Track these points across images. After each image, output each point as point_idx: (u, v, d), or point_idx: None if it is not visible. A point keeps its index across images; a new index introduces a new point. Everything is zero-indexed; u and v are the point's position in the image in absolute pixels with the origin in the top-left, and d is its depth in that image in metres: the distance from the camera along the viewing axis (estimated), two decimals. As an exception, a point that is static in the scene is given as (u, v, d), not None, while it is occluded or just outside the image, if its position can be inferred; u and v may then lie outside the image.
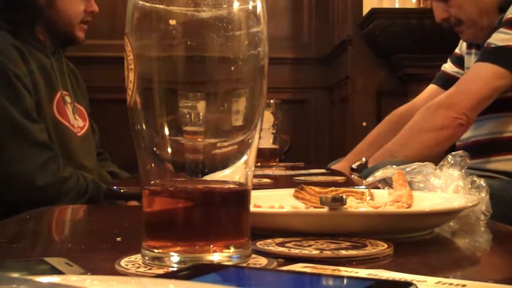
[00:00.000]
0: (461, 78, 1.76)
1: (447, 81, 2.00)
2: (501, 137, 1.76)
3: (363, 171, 1.66)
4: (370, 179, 0.92)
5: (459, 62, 2.00)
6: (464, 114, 1.65)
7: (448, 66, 2.04)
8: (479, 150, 1.76)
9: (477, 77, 1.68)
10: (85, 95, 2.06)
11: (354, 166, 1.76)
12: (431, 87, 2.09)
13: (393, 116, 2.16)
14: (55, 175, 1.71)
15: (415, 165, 0.88)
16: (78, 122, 1.92)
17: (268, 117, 2.08)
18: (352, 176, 1.71)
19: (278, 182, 1.50)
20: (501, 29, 1.67)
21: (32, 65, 1.76)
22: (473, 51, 1.91)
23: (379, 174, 0.90)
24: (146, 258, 0.54)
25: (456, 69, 2.01)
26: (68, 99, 1.90)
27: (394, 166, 0.90)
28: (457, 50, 2.03)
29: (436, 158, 0.96)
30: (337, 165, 2.05)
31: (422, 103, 2.01)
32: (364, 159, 1.77)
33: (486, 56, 1.68)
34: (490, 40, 1.69)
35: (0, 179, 1.70)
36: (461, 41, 2.00)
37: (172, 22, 0.54)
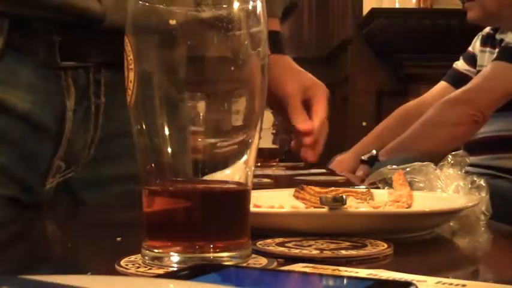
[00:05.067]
0: (479, 74, 1.76)
1: (458, 79, 2.00)
2: (510, 134, 1.76)
3: (375, 163, 1.65)
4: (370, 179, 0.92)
5: (471, 60, 1.99)
6: (480, 112, 1.65)
7: (460, 64, 2.04)
8: (487, 147, 1.76)
9: (495, 75, 1.68)
10: None
11: (364, 158, 1.75)
12: (442, 84, 2.09)
13: (401, 111, 2.15)
14: None
15: (415, 165, 0.88)
16: None
17: (268, 117, 2.08)
18: (361, 167, 1.70)
19: (278, 182, 1.50)
20: None
21: None
22: (487, 49, 1.90)
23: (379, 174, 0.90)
24: (146, 258, 0.54)
25: (468, 68, 2.00)
26: None
27: (394, 166, 0.90)
28: (470, 48, 2.02)
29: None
30: (343, 157, 2.04)
31: (432, 99, 2.01)
32: (374, 151, 1.75)
33: (505, 56, 1.69)
34: (508, 39, 1.69)
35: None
36: (474, 39, 2.00)
37: (172, 22, 0.54)
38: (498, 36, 1.84)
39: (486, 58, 1.88)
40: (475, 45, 1.99)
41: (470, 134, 1.71)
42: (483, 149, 1.74)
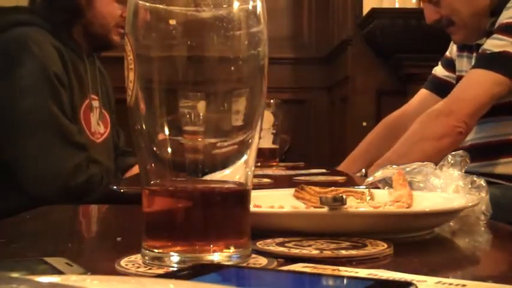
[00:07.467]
0: (458, 85, 1.75)
1: (438, 86, 1.99)
2: (499, 140, 1.76)
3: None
4: (370, 179, 0.92)
5: (450, 65, 1.98)
6: (464, 122, 1.65)
7: (439, 70, 2.03)
8: (476, 154, 1.75)
9: (475, 84, 1.68)
10: (111, 101, 2.04)
11: None
12: (422, 92, 2.08)
13: (384, 124, 2.15)
14: (85, 174, 1.72)
15: (415, 165, 0.88)
16: (99, 129, 1.92)
17: (268, 117, 2.08)
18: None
19: (278, 182, 1.50)
20: (496, 35, 1.66)
21: (68, 67, 1.77)
22: (465, 53, 1.90)
23: (379, 174, 0.90)
24: (146, 258, 0.54)
25: (447, 73, 1.99)
26: (95, 104, 1.90)
27: (394, 166, 0.90)
28: (447, 54, 2.01)
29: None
30: None
31: (414, 108, 2.01)
32: (364, 170, 1.76)
33: (482, 63, 1.67)
34: (485, 46, 1.68)
35: (37, 176, 1.69)
36: (451, 44, 1.99)
37: (172, 22, 0.54)
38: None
39: (465, 63, 1.87)
40: (452, 50, 1.97)
41: (455, 146, 1.71)
42: (472, 157, 1.73)
